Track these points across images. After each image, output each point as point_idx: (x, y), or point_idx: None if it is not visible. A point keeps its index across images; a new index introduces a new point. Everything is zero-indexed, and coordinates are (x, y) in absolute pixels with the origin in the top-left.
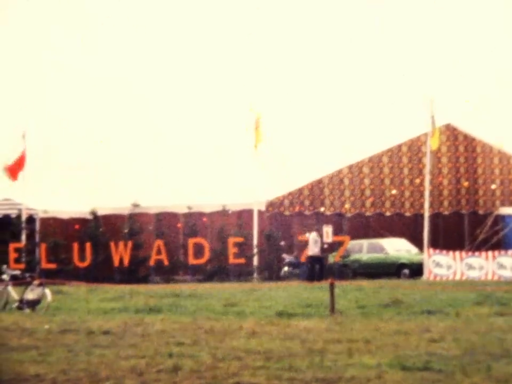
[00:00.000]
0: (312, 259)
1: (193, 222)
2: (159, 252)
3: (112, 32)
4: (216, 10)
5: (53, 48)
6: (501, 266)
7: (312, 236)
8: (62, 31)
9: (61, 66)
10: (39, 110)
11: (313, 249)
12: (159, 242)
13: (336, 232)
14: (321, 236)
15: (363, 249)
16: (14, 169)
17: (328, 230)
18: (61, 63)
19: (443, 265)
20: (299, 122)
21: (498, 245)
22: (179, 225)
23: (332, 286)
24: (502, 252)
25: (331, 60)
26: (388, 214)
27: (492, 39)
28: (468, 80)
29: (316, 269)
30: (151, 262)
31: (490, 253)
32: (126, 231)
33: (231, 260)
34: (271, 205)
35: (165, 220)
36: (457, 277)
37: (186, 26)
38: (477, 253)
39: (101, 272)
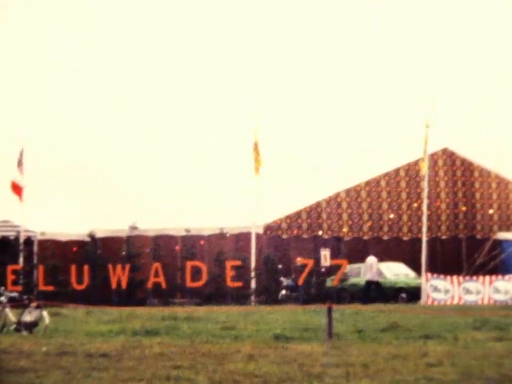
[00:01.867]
0: (369, 283)
1: (191, 245)
2: (156, 275)
3: (112, 32)
4: (216, 10)
5: (53, 48)
6: (497, 290)
7: (369, 260)
8: (62, 31)
9: (61, 66)
10: (37, 119)
11: (369, 274)
12: (156, 265)
13: (334, 256)
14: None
15: (361, 273)
16: (18, 188)
17: (326, 253)
18: (61, 63)
19: (441, 289)
20: (297, 145)
21: (496, 270)
22: (177, 247)
23: (329, 310)
24: (499, 277)
25: (328, 74)
26: (385, 238)
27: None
28: (466, 104)
29: (372, 291)
30: (149, 285)
31: (487, 278)
32: (123, 253)
33: (229, 283)
34: (269, 228)
35: (162, 243)
36: (455, 301)
37: (186, 27)
38: (474, 278)
39: (99, 294)
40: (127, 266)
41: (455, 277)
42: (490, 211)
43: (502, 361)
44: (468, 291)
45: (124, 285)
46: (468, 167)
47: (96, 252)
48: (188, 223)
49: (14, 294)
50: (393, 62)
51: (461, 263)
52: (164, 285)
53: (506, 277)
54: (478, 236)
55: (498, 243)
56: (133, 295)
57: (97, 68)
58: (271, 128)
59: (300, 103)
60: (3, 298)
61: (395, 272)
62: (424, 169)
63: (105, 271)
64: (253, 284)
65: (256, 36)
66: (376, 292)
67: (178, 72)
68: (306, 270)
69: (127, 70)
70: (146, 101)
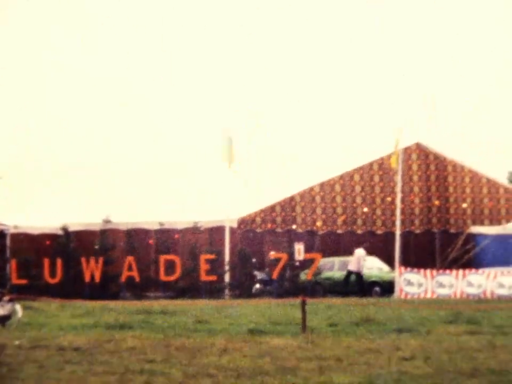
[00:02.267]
0: (350, 273)
1: (165, 239)
2: (130, 268)
3: (112, 32)
4: (215, 10)
5: (53, 48)
6: (470, 284)
7: (357, 252)
8: (61, 31)
9: (62, 66)
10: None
11: (355, 265)
12: (130, 259)
13: (307, 250)
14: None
15: (335, 267)
16: None
17: (299, 247)
18: (61, 63)
19: (414, 283)
20: (270, 139)
21: (469, 264)
22: (151, 241)
23: (303, 304)
24: (473, 271)
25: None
26: (359, 232)
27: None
28: (441, 99)
29: (352, 283)
30: (122, 279)
31: (460, 272)
32: (97, 247)
33: (203, 277)
34: (243, 222)
35: (136, 236)
36: (428, 295)
37: (185, 27)
38: (447, 271)
39: (72, 288)
40: (101, 260)
41: (428, 271)
42: (464, 205)
43: (475, 355)
44: (441, 285)
45: (97, 278)
46: (441, 161)
47: (69, 246)
48: (162, 217)
49: None
50: (372, 60)
51: (434, 257)
52: (137, 279)
53: (480, 270)
54: (452, 230)
55: (472, 237)
56: (106, 288)
57: (97, 67)
58: (246, 122)
59: (276, 97)
60: None
61: (369, 266)
62: (395, 163)
63: (79, 265)
64: (227, 278)
65: (255, 35)
66: (357, 285)
67: (178, 71)
68: (281, 264)
69: (127, 70)
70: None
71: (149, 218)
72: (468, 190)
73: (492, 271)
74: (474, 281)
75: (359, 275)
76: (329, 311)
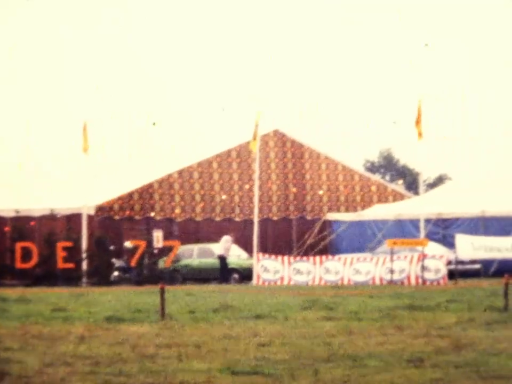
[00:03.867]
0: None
1: (21, 226)
2: None
3: (113, 32)
4: (216, 10)
5: (54, 44)
6: (328, 271)
7: (224, 238)
8: (61, 31)
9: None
10: None
11: (223, 250)
12: None
13: (166, 237)
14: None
15: (193, 254)
16: None
17: (158, 235)
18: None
19: (270, 270)
20: (129, 125)
21: (326, 250)
22: (6, 228)
23: (162, 291)
24: (330, 257)
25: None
26: (218, 219)
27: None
28: (298, 87)
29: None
30: None
31: (318, 258)
32: None
33: (60, 265)
34: (100, 209)
35: None
36: (285, 282)
37: (190, 23)
38: (305, 258)
39: None
40: None
41: (286, 258)
42: (320, 192)
43: (330, 340)
44: (298, 271)
45: None
46: (298, 148)
47: None
48: (17, 204)
49: None
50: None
51: (291, 244)
52: None
53: (336, 257)
54: (308, 217)
55: (328, 224)
56: None
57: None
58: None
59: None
60: None
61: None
62: (254, 147)
63: None
64: (85, 265)
65: (254, 35)
66: (222, 267)
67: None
68: (139, 251)
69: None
70: None
71: (4, 206)
72: (324, 177)
73: (348, 257)
74: (332, 268)
75: (223, 259)
76: (187, 298)
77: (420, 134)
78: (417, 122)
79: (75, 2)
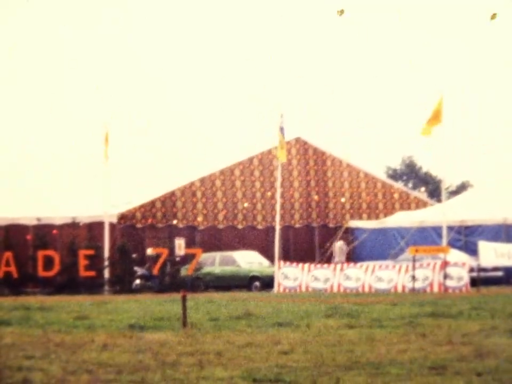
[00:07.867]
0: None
1: (43, 234)
2: (7, 264)
3: (112, 32)
4: (215, 11)
5: (55, 44)
6: (348, 278)
7: (338, 244)
8: (61, 31)
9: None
10: None
11: (339, 257)
12: (7, 254)
13: (188, 245)
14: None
15: (215, 262)
16: None
17: (180, 242)
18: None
19: (290, 277)
20: (150, 133)
21: (348, 258)
22: (28, 237)
23: (184, 299)
24: (351, 264)
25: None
26: (240, 226)
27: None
28: (319, 93)
29: None
30: (0, 274)
31: (338, 265)
32: None
33: (82, 273)
34: (122, 217)
35: (13, 232)
36: (303, 289)
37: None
38: (325, 265)
39: None
40: None
41: (306, 265)
42: (342, 200)
43: (353, 348)
44: (316, 278)
45: None
46: (320, 155)
47: None
48: (39, 212)
49: None
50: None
51: (313, 251)
52: (15, 275)
53: (358, 264)
54: (331, 224)
55: (350, 231)
56: None
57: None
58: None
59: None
60: None
61: (249, 260)
62: (282, 157)
63: None
64: (107, 274)
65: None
66: None
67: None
68: (161, 259)
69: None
70: None
71: (27, 214)
72: (346, 185)
73: (370, 264)
74: (352, 275)
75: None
76: (209, 306)
77: (428, 132)
78: (433, 120)
79: (75, 2)
